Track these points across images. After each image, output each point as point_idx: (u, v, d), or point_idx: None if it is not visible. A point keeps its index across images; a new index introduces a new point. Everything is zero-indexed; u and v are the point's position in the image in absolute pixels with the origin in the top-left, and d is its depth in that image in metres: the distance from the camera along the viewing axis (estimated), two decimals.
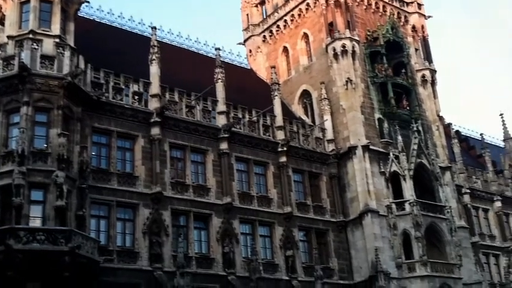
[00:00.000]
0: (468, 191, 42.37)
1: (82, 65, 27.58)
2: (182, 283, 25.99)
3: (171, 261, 27.56)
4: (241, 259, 30.16)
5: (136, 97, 29.94)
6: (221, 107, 32.62)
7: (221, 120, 32.29)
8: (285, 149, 34.04)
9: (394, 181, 36.02)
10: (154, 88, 30.39)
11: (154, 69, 30.78)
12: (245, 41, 45.46)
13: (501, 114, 50.00)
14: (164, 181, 29.23)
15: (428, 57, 42.90)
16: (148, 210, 28.09)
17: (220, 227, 30.04)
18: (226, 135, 31.85)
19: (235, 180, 31.86)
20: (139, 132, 29.41)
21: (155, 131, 29.58)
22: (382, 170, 36.16)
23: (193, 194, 30.11)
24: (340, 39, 38.23)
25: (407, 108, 39.84)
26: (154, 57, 31.00)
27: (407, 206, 34.98)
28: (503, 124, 49.77)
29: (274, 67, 38.24)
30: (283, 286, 30.89)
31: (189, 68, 37.08)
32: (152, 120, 29.62)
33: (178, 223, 29.33)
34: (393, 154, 36.32)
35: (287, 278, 31.18)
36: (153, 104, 30.03)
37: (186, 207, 29.60)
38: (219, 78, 33.19)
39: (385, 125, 38.01)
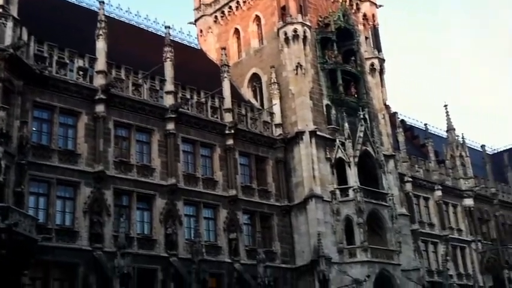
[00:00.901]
0: (410, 179, 43.52)
1: (25, 37, 26.79)
2: (122, 264, 25.78)
3: (112, 242, 27.28)
4: (184, 241, 30.16)
5: (81, 73, 29.31)
6: (169, 86, 32.33)
7: (168, 100, 32.02)
8: (232, 131, 34.10)
9: (339, 167, 36.61)
10: (100, 64, 29.83)
11: (100, 45, 30.20)
12: (196, 20, 45.02)
13: (445, 106, 51.29)
14: (107, 160, 28.84)
15: (377, 46, 43.51)
16: (90, 189, 27.67)
17: (164, 208, 29.92)
18: (173, 116, 31.63)
19: (180, 162, 31.74)
20: (83, 109, 28.85)
21: (100, 108, 29.08)
22: (328, 156, 36.69)
23: (137, 174, 29.84)
24: (292, 23, 38.33)
25: (355, 95, 40.37)
26: (101, 32, 30.41)
27: (351, 193, 35.61)
28: (447, 115, 51.11)
29: (224, 48, 38.12)
30: (225, 268, 31.11)
31: (137, 46, 36.48)
32: (97, 97, 29.10)
33: (120, 203, 29.03)
34: (339, 141, 36.85)
35: (230, 260, 31.40)
36: (99, 81, 29.49)
37: (130, 187, 29.30)
38: (168, 57, 32.86)
39: (333, 111, 38.50)
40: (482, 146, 56.19)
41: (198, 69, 39.05)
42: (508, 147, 62.43)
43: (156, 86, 32.05)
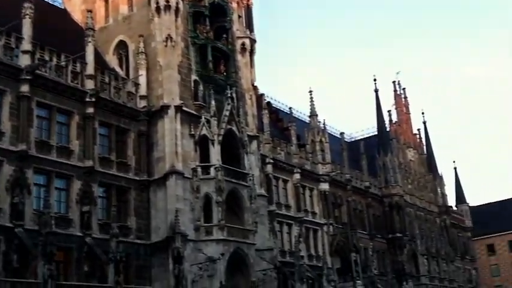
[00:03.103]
0: (271, 161, 44.74)
1: None
2: None
3: None
4: (32, 211, 28.66)
5: None
6: (26, 45, 30.40)
7: (24, 60, 30.10)
8: (93, 99, 32.84)
9: (202, 145, 36.64)
10: None
11: None
12: None
13: (310, 91, 53.07)
14: None
15: (250, 25, 43.92)
16: None
17: (12, 175, 28.19)
18: (28, 77, 29.79)
19: (33, 127, 30.04)
20: None
21: None
22: (192, 133, 36.55)
23: None
24: None
25: (224, 73, 40.55)
26: None
27: (212, 171, 35.79)
28: (311, 101, 52.96)
29: (91, 11, 36.37)
30: (75, 242, 30.06)
31: None
32: None
33: None
34: (205, 118, 36.84)
35: (80, 234, 30.36)
36: None
37: None
38: (27, 14, 30.88)
39: (201, 87, 38.41)
40: (342, 134, 59.13)
41: (60, 31, 37.08)
42: (364, 136, 66.40)
43: (11, 44, 29.99)
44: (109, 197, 33.11)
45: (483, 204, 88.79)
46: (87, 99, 32.68)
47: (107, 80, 34.75)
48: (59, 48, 32.43)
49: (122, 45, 39.00)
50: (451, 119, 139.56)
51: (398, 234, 58.87)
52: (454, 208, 78.21)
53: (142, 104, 36.05)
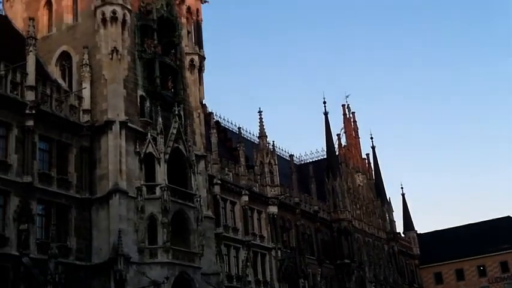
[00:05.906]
0: (219, 182, 44.94)
1: None
2: None
3: None
4: None
5: None
6: None
7: None
8: (33, 112, 32.35)
9: (148, 163, 36.55)
10: None
11: None
12: None
13: (260, 112, 53.83)
14: None
15: (199, 42, 44.33)
16: None
17: None
18: None
19: None
20: None
21: None
22: (138, 150, 36.41)
23: None
24: (111, 4, 37.38)
25: (172, 90, 40.72)
26: None
27: (158, 190, 35.69)
28: (260, 121, 53.67)
29: (33, 19, 35.83)
30: (11, 262, 29.35)
31: None
32: None
33: None
34: (151, 135, 36.80)
35: (17, 253, 29.68)
36: None
37: None
38: None
39: (147, 104, 38.39)
40: (291, 156, 60.05)
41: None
42: (314, 160, 67.62)
43: None
44: (48, 215, 32.54)
45: (431, 232, 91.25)
46: (27, 112, 32.20)
47: (48, 91, 34.33)
48: None
49: (65, 56, 38.67)
50: (399, 145, 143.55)
51: (346, 261, 59.84)
52: (402, 235, 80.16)
53: (85, 118, 35.79)
